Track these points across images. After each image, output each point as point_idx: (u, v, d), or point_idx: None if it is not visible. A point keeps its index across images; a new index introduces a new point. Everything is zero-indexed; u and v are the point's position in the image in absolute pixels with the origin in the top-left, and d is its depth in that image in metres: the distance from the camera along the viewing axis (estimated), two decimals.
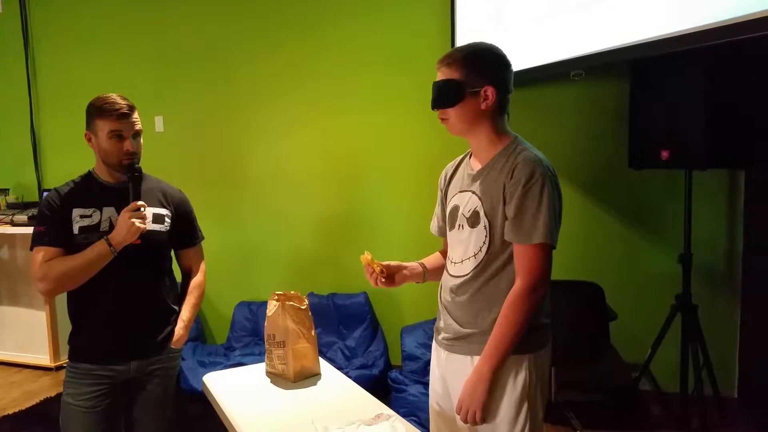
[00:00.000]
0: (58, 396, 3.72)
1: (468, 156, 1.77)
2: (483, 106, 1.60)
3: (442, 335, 1.74)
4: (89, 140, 1.99)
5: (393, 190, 4.03)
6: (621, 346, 3.52)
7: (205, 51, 4.41)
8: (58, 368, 4.22)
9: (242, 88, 4.35)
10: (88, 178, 2.06)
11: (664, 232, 3.43)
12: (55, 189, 2.03)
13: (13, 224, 4.25)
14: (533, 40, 3.20)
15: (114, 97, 1.96)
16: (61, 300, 4.24)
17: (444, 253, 1.84)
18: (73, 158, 4.87)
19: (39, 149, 5.03)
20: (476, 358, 1.61)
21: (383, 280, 1.79)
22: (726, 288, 3.41)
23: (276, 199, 4.33)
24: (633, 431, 3.11)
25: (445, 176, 1.85)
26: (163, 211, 2.07)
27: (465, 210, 1.67)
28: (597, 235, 3.57)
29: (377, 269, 1.78)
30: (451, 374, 1.70)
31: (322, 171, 4.23)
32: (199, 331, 4.35)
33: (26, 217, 4.29)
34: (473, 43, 1.66)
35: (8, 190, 4.95)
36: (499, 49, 1.67)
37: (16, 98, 5.02)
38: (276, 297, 2.16)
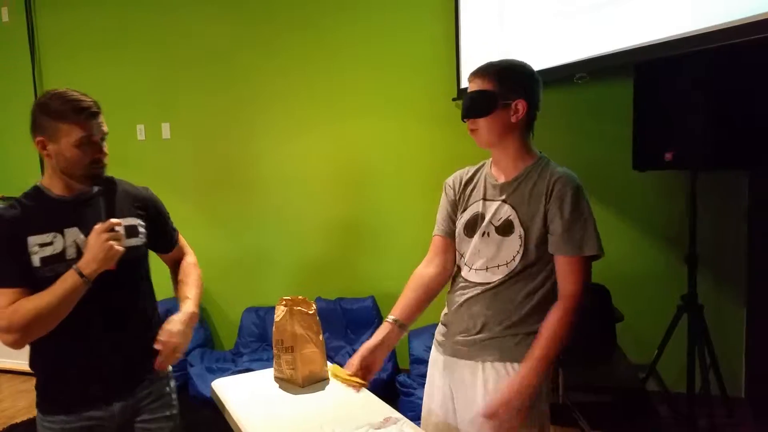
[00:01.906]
0: None
1: (486, 167, 1.77)
2: (513, 119, 1.63)
3: (451, 339, 1.73)
4: (43, 148, 1.64)
5: (400, 194, 4.04)
6: (628, 347, 3.52)
7: (211, 57, 4.44)
8: None
9: (249, 94, 4.37)
10: (38, 195, 1.70)
11: (669, 233, 3.44)
12: None
13: None
14: (537, 43, 3.22)
15: (74, 93, 1.65)
16: None
17: (431, 276, 1.82)
18: None
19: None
20: (487, 365, 1.61)
21: (364, 380, 1.74)
22: (732, 288, 3.41)
23: (283, 204, 4.35)
24: None
25: (459, 181, 1.84)
26: (135, 221, 1.79)
27: (494, 219, 1.68)
28: (602, 237, 3.56)
29: (353, 382, 1.70)
30: (457, 381, 1.70)
31: (329, 176, 4.24)
32: (207, 337, 4.37)
33: None
34: (507, 59, 1.70)
35: (15, 198, 4.97)
36: (532, 68, 1.71)
37: (23, 106, 5.00)
38: (284, 302, 2.17)
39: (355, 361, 1.69)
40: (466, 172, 1.85)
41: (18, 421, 3.54)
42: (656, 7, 2.66)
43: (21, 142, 5.06)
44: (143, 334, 1.77)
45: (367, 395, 2.01)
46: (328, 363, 1.66)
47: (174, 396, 1.94)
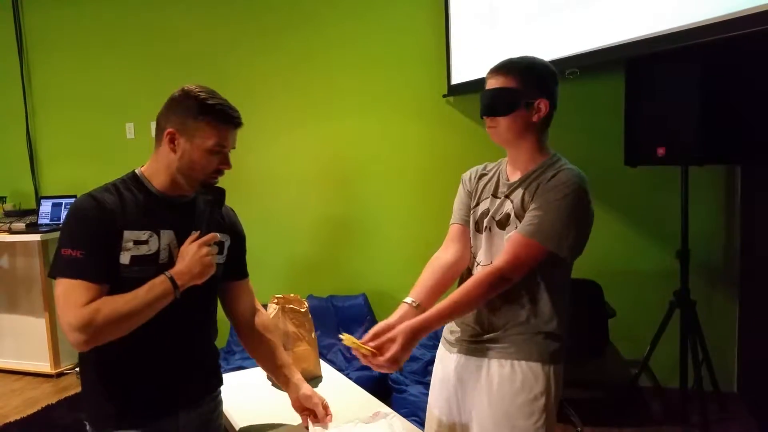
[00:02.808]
0: (60, 403, 3.73)
1: (503, 164, 1.74)
2: (535, 118, 1.61)
3: (460, 337, 1.70)
4: (171, 140, 1.52)
5: (390, 191, 4.04)
6: (620, 343, 3.54)
7: (199, 55, 4.42)
8: (59, 375, 4.22)
9: (238, 92, 4.32)
10: (137, 185, 1.57)
11: (661, 228, 3.44)
12: (93, 196, 1.49)
13: (11, 232, 4.24)
14: (528, 38, 3.22)
15: (222, 97, 1.56)
16: None
17: (449, 262, 1.76)
18: (69, 164, 4.89)
19: (35, 156, 5.03)
20: (493, 362, 1.60)
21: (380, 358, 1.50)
22: (724, 283, 3.42)
23: (273, 202, 4.34)
24: (633, 427, 3.12)
25: (475, 173, 1.79)
26: (223, 237, 1.68)
27: (497, 213, 1.66)
28: (594, 233, 3.53)
29: (366, 352, 1.50)
30: (464, 377, 1.68)
31: (319, 173, 4.23)
32: None
33: (24, 225, 4.30)
34: (528, 56, 1.66)
35: (5, 198, 4.94)
36: (551, 65, 1.68)
37: (11, 105, 5.02)
38: (276, 300, 2.17)
39: (368, 336, 1.62)
40: (483, 167, 1.81)
41: (11, 420, 3.52)
42: (647, 2, 2.66)
43: (11, 140, 5.05)
44: (208, 354, 1.72)
45: (358, 392, 2.01)
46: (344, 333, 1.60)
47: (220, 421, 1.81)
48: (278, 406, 1.91)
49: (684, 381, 3.01)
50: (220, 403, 1.76)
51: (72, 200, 4.39)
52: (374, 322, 4.03)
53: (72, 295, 1.39)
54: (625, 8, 2.75)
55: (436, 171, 3.88)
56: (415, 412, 3.07)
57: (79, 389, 3.92)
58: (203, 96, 1.51)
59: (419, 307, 1.64)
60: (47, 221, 4.42)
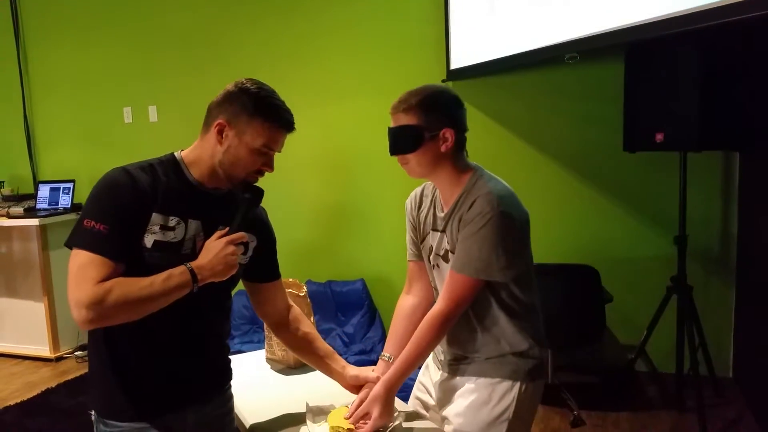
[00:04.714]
0: (59, 387, 3.75)
1: (437, 192, 1.73)
2: (443, 148, 1.59)
3: (441, 357, 1.76)
4: (219, 131, 1.47)
5: (387, 177, 4.03)
6: (617, 328, 3.55)
7: (198, 39, 4.40)
8: (58, 359, 4.24)
9: (235, 77, 4.31)
10: (175, 169, 1.50)
11: (659, 214, 3.45)
12: (128, 171, 1.43)
13: (9, 216, 4.24)
14: (527, 23, 3.20)
15: (280, 99, 1.53)
16: (61, 291, 4.22)
17: (414, 305, 1.83)
18: (67, 149, 4.88)
19: (33, 140, 5.01)
20: (471, 380, 1.64)
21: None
22: (721, 269, 3.44)
23: (271, 187, 4.28)
24: (629, 412, 3.14)
25: (416, 203, 1.82)
26: (250, 237, 1.61)
27: (439, 249, 1.68)
28: (592, 218, 3.59)
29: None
30: (444, 390, 1.72)
31: (317, 159, 4.23)
32: None
33: (22, 209, 4.29)
34: (425, 86, 1.64)
35: (3, 182, 4.94)
36: (451, 90, 1.68)
37: (8, 88, 4.99)
38: None
39: (356, 402, 1.65)
40: (421, 191, 1.82)
41: (11, 403, 3.54)
42: None
43: (8, 124, 5.03)
44: (220, 350, 1.67)
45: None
46: (334, 405, 1.68)
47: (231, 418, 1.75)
48: (278, 388, 1.93)
49: (680, 366, 3.03)
50: (231, 399, 1.71)
51: (70, 185, 4.40)
52: (372, 308, 4.05)
53: (87, 269, 1.33)
54: None
55: None
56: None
57: (77, 373, 3.95)
58: (263, 94, 1.49)
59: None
60: (45, 206, 4.42)
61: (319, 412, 1.67)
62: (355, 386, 1.73)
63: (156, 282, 1.36)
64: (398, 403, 1.71)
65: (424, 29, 3.87)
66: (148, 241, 1.40)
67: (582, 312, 3.13)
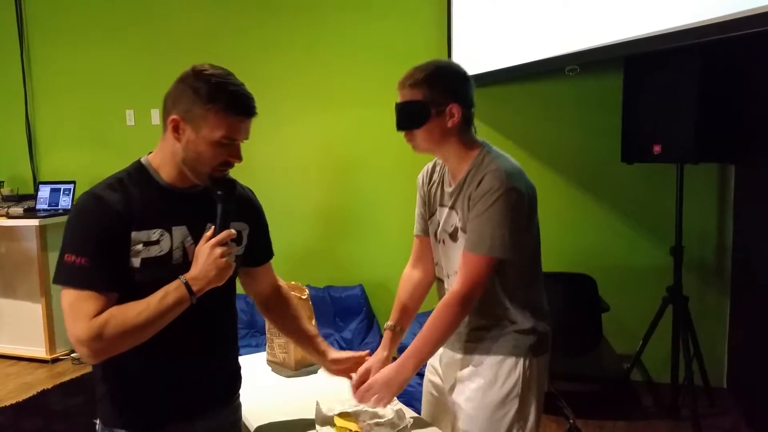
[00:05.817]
0: (55, 388, 3.74)
1: (446, 168, 1.74)
2: (449, 123, 1.59)
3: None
4: (174, 128, 1.36)
5: (388, 183, 4.06)
6: (613, 338, 3.57)
7: (201, 42, 4.42)
8: (55, 360, 4.23)
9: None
10: (144, 177, 1.41)
11: (655, 225, 3.48)
12: (95, 195, 1.35)
13: (9, 217, 4.25)
14: (529, 35, 3.23)
15: (237, 82, 1.39)
16: (59, 292, 4.24)
17: (419, 278, 1.84)
18: (68, 150, 4.89)
19: (34, 141, 5.02)
20: (475, 357, 1.65)
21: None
22: (716, 280, 3.46)
23: (271, 192, 4.34)
24: (625, 421, 3.16)
25: (427, 177, 1.81)
26: (242, 226, 1.54)
27: (447, 226, 1.68)
28: (590, 228, 3.62)
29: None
30: (449, 370, 1.74)
31: (318, 164, 4.25)
32: None
33: (22, 209, 4.30)
34: (432, 61, 1.64)
35: (3, 182, 4.94)
36: (459, 65, 1.68)
37: (11, 89, 5.00)
38: None
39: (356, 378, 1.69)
40: (432, 165, 1.81)
41: (6, 404, 3.53)
42: (650, 3, 2.68)
43: (9, 124, 5.03)
44: (228, 349, 1.64)
45: None
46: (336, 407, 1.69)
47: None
48: (280, 390, 1.94)
49: (675, 376, 3.05)
50: (239, 408, 1.68)
51: (71, 186, 4.41)
52: (370, 314, 4.06)
53: (79, 306, 1.29)
54: (625, 6, 2.76)
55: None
56: (410, 402, 3.06)
57: (73, 375, 3.95)
58: (214, 80, 1.34)
59: (402, 330, 1.75)
60: (45, 206, 4.43)
61: (326, 422, 1.67)
62: (337, 370, 1.74)
63: (152, 303, 1.31)
64: (406, 410, 1.72)
65: (426, 37, 3.90)
66: (136, 261, 1.35)
67: (579, 321, 3.15)
